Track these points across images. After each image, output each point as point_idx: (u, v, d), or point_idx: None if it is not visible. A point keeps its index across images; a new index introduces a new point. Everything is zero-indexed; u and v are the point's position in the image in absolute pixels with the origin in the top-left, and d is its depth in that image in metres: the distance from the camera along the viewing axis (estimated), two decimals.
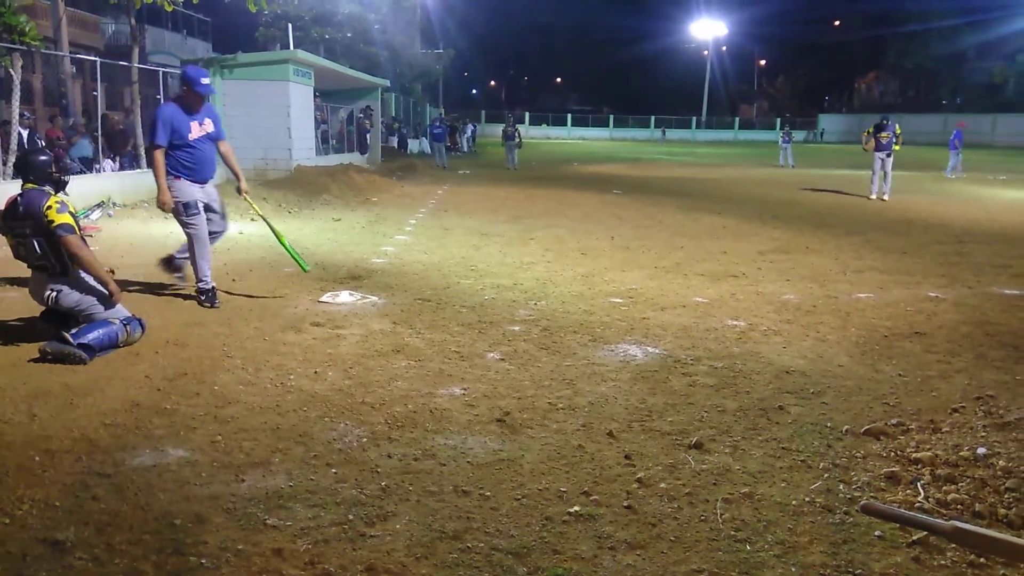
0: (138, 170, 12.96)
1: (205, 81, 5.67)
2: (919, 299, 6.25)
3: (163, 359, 4.36)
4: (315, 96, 18.46)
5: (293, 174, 15.07)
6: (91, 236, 8.30)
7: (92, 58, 12.78)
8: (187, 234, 5.68)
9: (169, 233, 9.10)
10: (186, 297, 5.88)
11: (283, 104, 15.79)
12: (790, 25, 67.45)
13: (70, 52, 21.20)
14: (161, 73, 14.21)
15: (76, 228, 4.43)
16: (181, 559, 2.44)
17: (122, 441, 3.28)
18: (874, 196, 14.84)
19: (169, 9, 14.39)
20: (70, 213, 4.43)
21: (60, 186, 4.65)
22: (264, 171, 15.23)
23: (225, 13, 29.56)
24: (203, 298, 5.65)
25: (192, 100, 5.65)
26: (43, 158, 4.62)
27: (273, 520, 2.66)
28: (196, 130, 5.64)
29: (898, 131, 14.96)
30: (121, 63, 13.58)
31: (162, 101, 13.86)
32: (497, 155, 28.46)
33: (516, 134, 23.94)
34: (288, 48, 18.93)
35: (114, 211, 10.59)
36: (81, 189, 9.86)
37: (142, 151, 13.09)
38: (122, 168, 13.13)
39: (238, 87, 15.55)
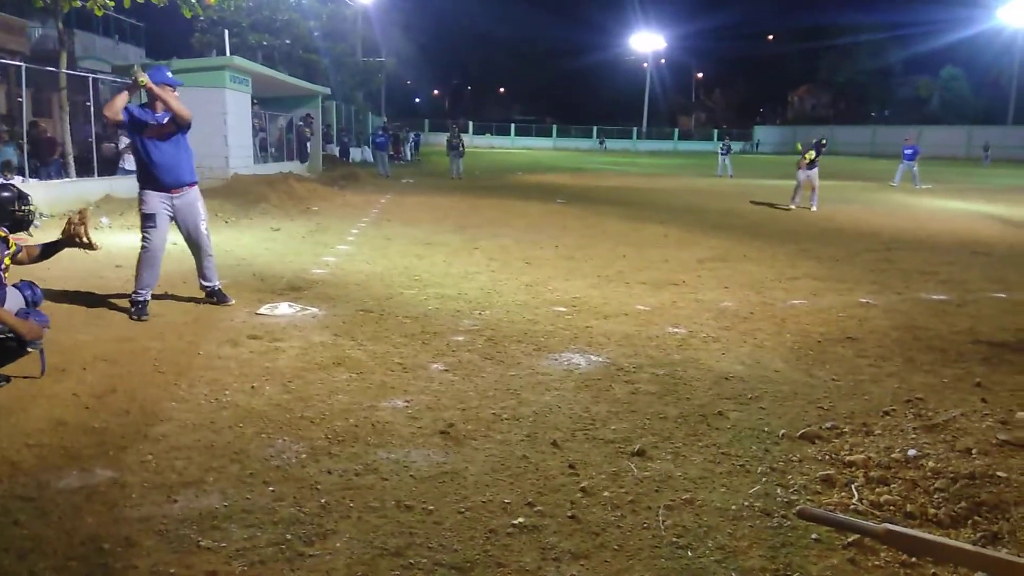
0: (66, 179, 12.51)
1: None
2: (851, 305, 6.44)
3: (91, 375, 4.19)
4: (253, 103, 18.12)
5: (230, 182, 14.75)
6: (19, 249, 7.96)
7: (17, 63, 12.29)
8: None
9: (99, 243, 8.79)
10: (117, 311, 5.68)
11: (219, 111, 15.46)
12: (726, 40, 69.51)
13: None
14: (91, 79, 13.75)
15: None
16: None
17: (47, 462, 3.13)
18: (793, 206, 15.20)
19: (99, 14, 13.96)
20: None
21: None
22: (200, 181, 14.87)
23: (159, 18, 28.74)
24: (132, 309, 5.47)
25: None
26: (5, 194, 4.01)
27: (207, 542, 2.57)
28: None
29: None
30: (48, 68, 13.08)
31: (92, 108, 13.45)
32: (440, 164, 28.41)
33: (460, 144, 23.95)
34: (225, 54, 18.56)
35: (41, 222, 10.17)
36: None
37: (70, 159, 12.64)
38: (49, 177, 12.64)
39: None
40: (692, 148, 61.79)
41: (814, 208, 14.85)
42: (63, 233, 4.52)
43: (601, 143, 60.96)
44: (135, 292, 5.52)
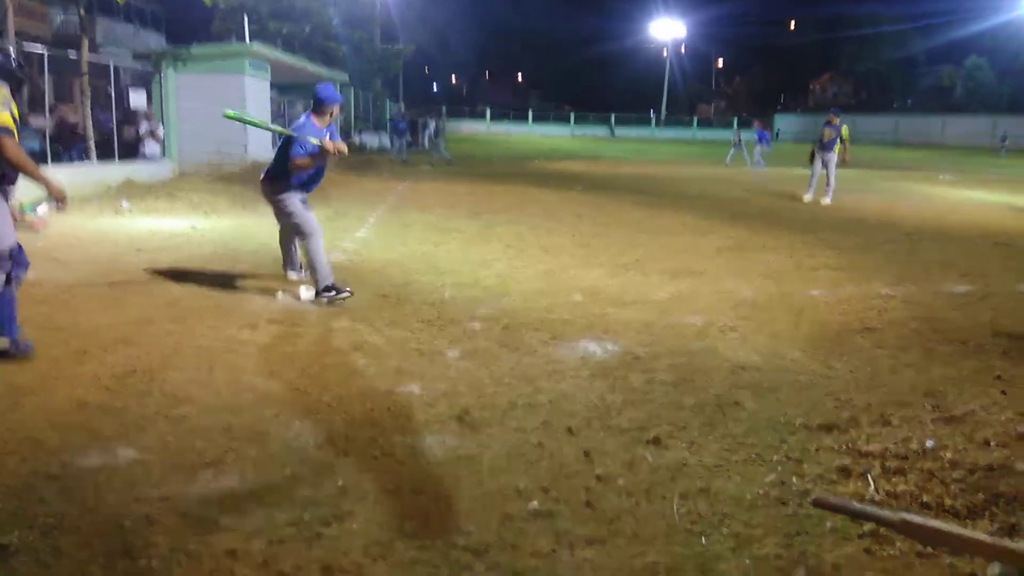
0: (87, 163, 12.62)
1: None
2: (870, 296, 6.39)
3: (112, 357, 4.25)
4: (272, 90, 18.17)
5: (249, 169, 14.82)
6: (37, 232, 8.06)
7: (39, 50, 12.39)
8: None
9: (118, 228, 8.90)
10: (138, 294, 5.74)
11: (238, 98, 15.51)
12: (747, 27, 68.69)
13: (16, 42, 20.52)
14: (112, 66, 13.84)
15: (15, 132, 3.98)
16: (130, 562, 2.38)
17: (70, 442, 3.18)
18: (808, 198, 13.88)
19: (120, 1, 14.03)
20: (11, 115, 3.99)
21: (16, 81, 4.24)
22: (219, 165, 14.95)
23: (179, 5, 28.97)
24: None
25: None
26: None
27: (226, 521, 2.61)
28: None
29: (844, 134, 13.55)
30: (70, 54, 13.18)
31: (112, 94, 13.55)
32: (458, 151, 28.34)
33: (432, 125, 24.52)
34: (244, 41, 18.61)
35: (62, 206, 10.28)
36: (28, 183, 9.55)
37: (91, 144, 12.75)
38: (70, 161, 12.76)
39: (192, 80, 15.25)
40: (711, 136, 61.32)
41: (826, 201, 13.58)
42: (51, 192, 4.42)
43: (611, 131, 60.67)
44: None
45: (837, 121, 13.70)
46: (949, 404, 3.87)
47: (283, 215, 5.84)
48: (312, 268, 5.67)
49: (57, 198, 4.35)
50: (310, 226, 5.72)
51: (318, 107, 5.68)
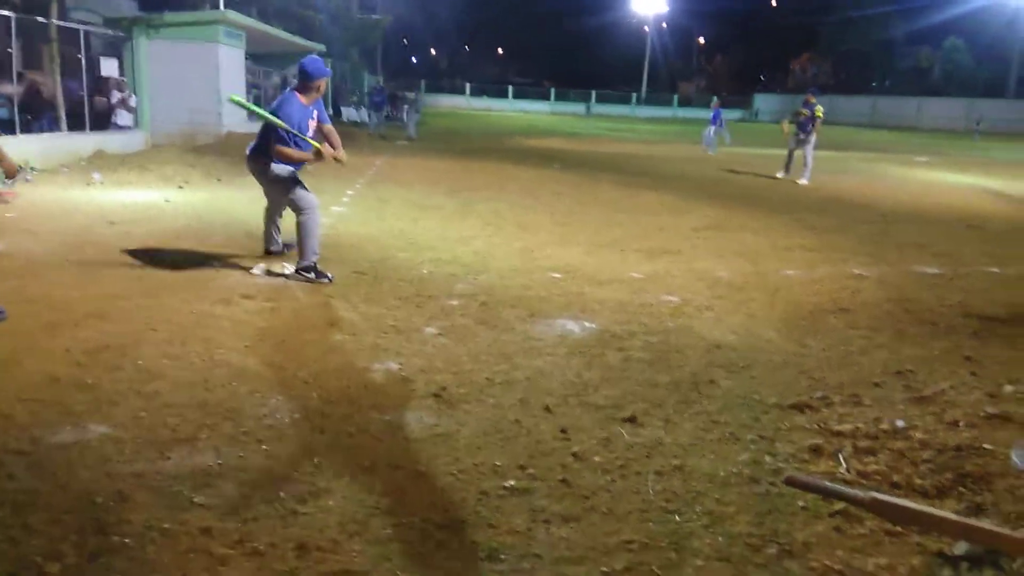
0: (57, 133, 12.35)
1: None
2: (844, 276, 6.46)
3: (84, 332, 4.19)
4: (247, 59, 17.85)
5: (223, 140, 14.60)
6: (7, 203, 7.89)
7: (6, 13, 12.04)
8: None
9: (89, 200, 8.73)
10: (110, 267, 5.65)
11: (212, 67, 15.25)
12: (729, 4, 68.31)
13: None
14: (82, 31, 13.50)
15: None
16: (103, 538, 2.36)
17: (40, 417, 3.14)
18: (780, 175, 14.20)
19: None
20: None
21: None
22: (192, 136, 14.71)
23: None
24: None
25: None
26: None
27: (200, 498, 2.60)
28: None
29: (818, 112, 13.53)
30: (39, 19, 12.83)
31: (83, 61, 13.23)
32: (437, 127, 28.13)
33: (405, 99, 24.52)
34: (218, 8, 18.24)
35: (33, 176, 10.08)
36: None
37: (61, 113, 12.47)
38: (40, 131, 12.48)
39: (165, 48, 14.94)
40: (692, 115, 61.33)
41: (802, 182, 13.69)
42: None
43: (587, 109, 60.49)
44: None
45: (813, 101, 13.75)
46: (919, 384, 3.93)
47: (273, 190, 5.68)
48: (301, 243, 5.53)
49: (7, 173, 4.28)
50: (306, 200, 5.53)
51: (305, 82, 5.43)
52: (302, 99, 5.45)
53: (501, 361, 4.07)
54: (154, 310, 4.65)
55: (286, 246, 6.14)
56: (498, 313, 4.95)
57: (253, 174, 5.72)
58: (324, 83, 5.55)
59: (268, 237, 6.20)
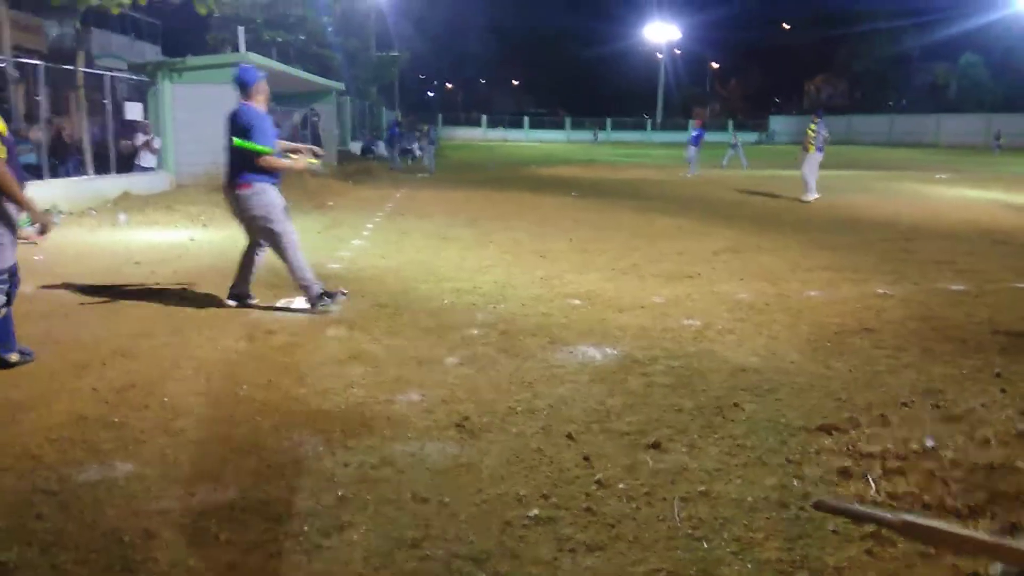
0: (84, 177, 12.62)
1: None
2: (867, 296, 6.39)
3: (110, 371, 4.24)
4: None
5: None
6: (35, 244, 8.05)
7: (35, 62, 12.40)
8: None
9: (116, 241, 8.89)
10: (136, 306, 5.73)
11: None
12: (741, 29, 68.89)
13: (12, 56, 20.55)
14: (108, 77, 13.85)
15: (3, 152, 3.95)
16: None
17: (68, 456, 3.18)
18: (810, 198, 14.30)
19: (116, 12, 14.05)
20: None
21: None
22: (215, 175, 14.91)
23: (175, 16, 28.97)
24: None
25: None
26: None
27: (226, 534, 2.60)
28: None
29: (808, 131, 14.42)
30: (66, 67, 13.19)
31: (108, 107, 13.56)
32: (454, 159, 28.41)
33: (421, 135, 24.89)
34: (239, 51, 18.65)
35: (60, 219, 10.29)
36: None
37: (88, 157, 12.75)
38: (67, 175, 12.76)
39: (188, 91, 15.24)
40: (707, 139, 61.45)
41: (805, 199, 14.18)
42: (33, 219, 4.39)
43: (595, 136, 60.76)
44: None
45: (816, 121, 14.61)
46: (949, 403, 3.87)
47: (255, 219, 5.45)
48: (297, 277, 5.53)
49: (41, 227, 4.36)
50: (288, 236, 5.47)
51: (246, 92, 5.44)
52: (258, 107, 5.47)
53: (523, 390, 4.07)
54: (179, 348, 4.71)
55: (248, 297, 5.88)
56: (519, 341, 4.95)
57: (234, 204, 5.48)
58: (264, 84, 5.56)
59: (240, 279, 5.83)
